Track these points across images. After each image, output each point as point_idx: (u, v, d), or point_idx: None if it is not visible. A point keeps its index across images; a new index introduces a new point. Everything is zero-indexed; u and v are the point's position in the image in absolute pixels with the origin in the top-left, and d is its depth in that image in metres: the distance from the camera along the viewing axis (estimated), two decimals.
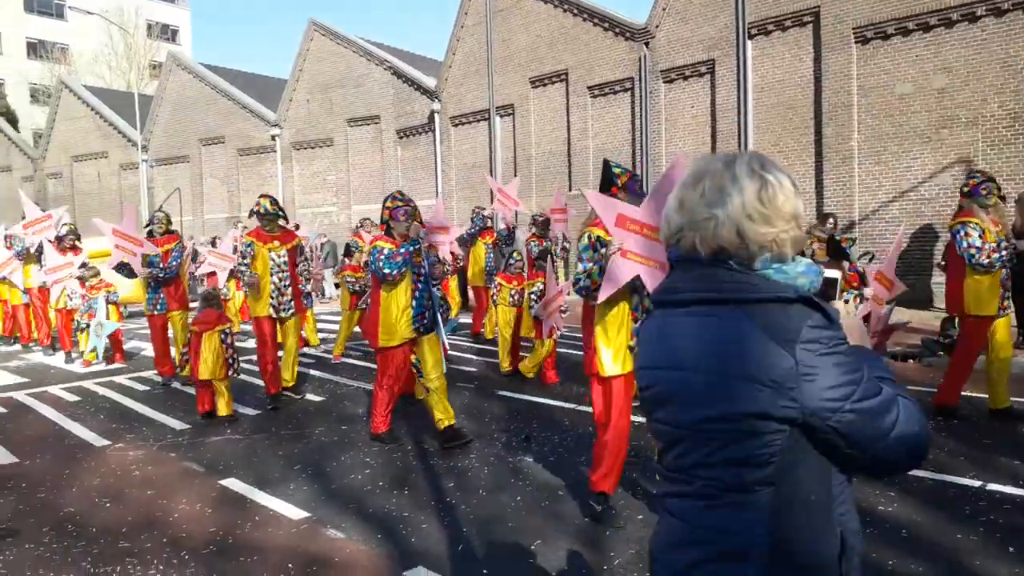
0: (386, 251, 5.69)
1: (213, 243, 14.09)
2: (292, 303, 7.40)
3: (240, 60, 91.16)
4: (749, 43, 14.96)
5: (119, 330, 10.04)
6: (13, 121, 34.47)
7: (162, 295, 8.29)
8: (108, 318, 9.76)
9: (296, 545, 4.13)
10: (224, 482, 5.21)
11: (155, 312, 8.32)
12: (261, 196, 7.58)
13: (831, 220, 11.36)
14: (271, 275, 7.25)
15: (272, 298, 7.26)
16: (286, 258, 7.35)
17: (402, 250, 5.71)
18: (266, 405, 7.34)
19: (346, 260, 10.08)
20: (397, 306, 5.77)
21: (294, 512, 4.61)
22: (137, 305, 12.69)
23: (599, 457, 4.34)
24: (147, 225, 8.67)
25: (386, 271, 5.65)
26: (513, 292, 8.49)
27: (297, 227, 12.14)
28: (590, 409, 6.75)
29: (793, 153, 14.64)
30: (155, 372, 8.92)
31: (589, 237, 4.28)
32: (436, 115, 20.66)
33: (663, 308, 1.54)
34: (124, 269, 8.31)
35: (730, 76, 15.26)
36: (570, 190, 18.01)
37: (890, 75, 13.39)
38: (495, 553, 3.97)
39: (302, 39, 23.52)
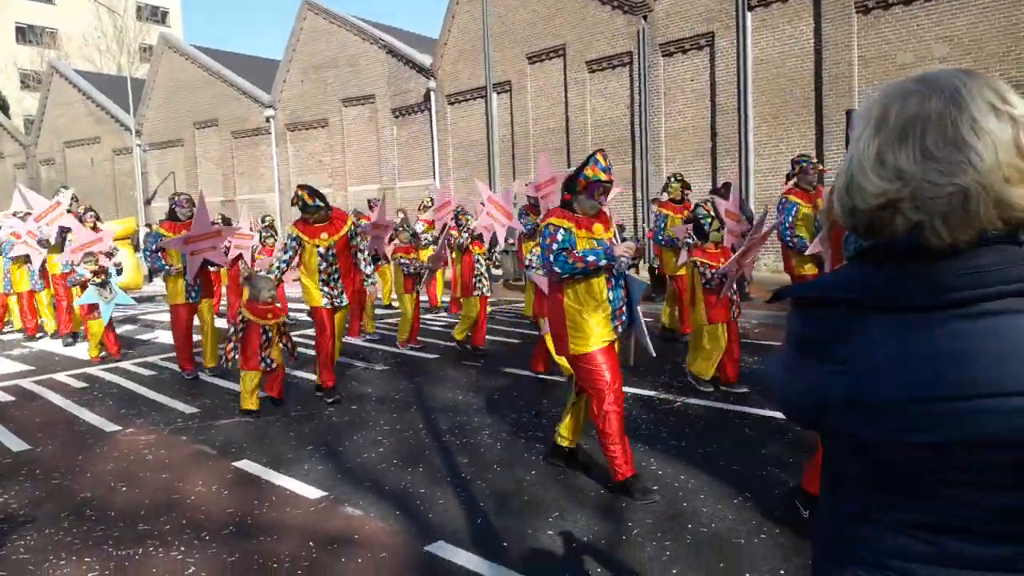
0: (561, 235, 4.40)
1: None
2: (343, 295, 6.89)
3: (232, 41, 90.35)
4: (749, 15, 14.85)
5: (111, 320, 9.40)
6: (4, 107, 34.27)
7: (198, 283, 7.94)
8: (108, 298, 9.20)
9: (315, 524, 4.14)
10: (238, 464, 5.22)
11: (189, 301, 7.95)
12: (299, 187, 6.85)
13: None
14: (318, 270, 6.72)
15: (322, 291, 6.76)
16: (334, 250, 6.77)
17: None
18: (321, 397, 6.89)
19: (396, 241, 9.66)
20: (592, 301, 4.44)
21: (310, 491, 4.62)
22: (134, 293, 12.62)
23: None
24: (171, 209, 8.31)
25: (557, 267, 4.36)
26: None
27: (371, 206, 12.21)
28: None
29: (793, 126, 14.59)
30: (160, 358, 8.90)
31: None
32: (432, 93, 20.53)
33: (885, 314, 1.02)
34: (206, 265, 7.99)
35: (730, 49, 15.16)
36: (568, 166, 17.92)
37: (891, 45, 13.32)
38: (513, 526, 3.99)
39: (295, 18, 23.33)
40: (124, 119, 26.74)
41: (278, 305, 7.17)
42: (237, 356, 6.50)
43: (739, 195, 8.09)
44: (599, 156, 4.51)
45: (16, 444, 5.93)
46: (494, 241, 9.76)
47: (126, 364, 9.00)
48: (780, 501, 4.08)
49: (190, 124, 25.65)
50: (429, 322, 11.01)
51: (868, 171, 1.04)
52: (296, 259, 6.83)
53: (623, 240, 4.98)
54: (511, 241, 10.97)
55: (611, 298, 4.43)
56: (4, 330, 12.03)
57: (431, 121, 20.82)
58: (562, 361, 7.46)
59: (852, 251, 1.08)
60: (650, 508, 4.13)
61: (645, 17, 16.39)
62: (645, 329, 4.75)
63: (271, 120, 23.91)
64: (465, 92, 20.05)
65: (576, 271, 4.30)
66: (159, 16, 48.75)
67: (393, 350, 9.13)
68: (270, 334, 6.53)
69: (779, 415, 5.66)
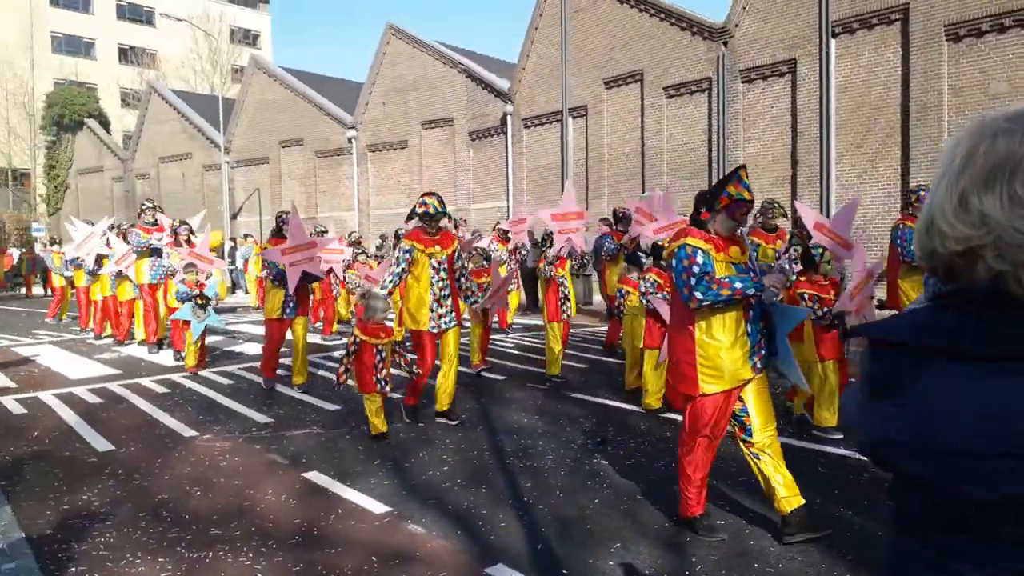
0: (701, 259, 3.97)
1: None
2: (453, 314, 6.61)
3: (318, 63, 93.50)
4: (833, 42, 14.56)
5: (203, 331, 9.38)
6: (105, 124, 36.17)
7: (294, 299, 8.00)
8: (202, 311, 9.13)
9: (378, 539, 4.20)
10: (307, 475, 5.34)
11: (283, 317, 8.03)
12: (426, 195, 6.57)
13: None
14: (431, 285, 6.47)
15: (432, 311, 6.48)
16: (446, 265, 6.55)
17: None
18: (405, 418, 6.77)
19: (470, 264, 8.91)
20: (729, 334, 4.00)
21: (375, 506, 4.69)
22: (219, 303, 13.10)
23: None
24: (278, 226, 8.53)
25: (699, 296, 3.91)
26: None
27: (456, 225, 12.25)
28: (667, 415, 6.72)
29: (878, 156, 14.18)
30: (239, 368, 9.19)
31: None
32: (508, 117, 20.77)
33: (963, 362, 0.97)
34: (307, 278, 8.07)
35: (812, 76, 14.88)
36: (643, 192, 17.85)
37: (984, 74, 12.84)
38: (574, 553, 3.95)
39: (379, 42, 23.98)
40: (214, 137, 27.94)
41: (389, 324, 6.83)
42: (351, 381, 6.36)
43: (850, 215, 7.29)
44: (742, 173, 4.13)
45: (102, 444, 6.21)
46: (572, 254, 9.48)
47: (206, 373, 9.34)
48: (852, 544, 3.93)
49: (276, 143, 26.59)
50: (497, 343, 11.05)
51: (949, 215, 0.99)
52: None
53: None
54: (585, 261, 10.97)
55: (749, 331, 4.01)
56: (103, 335, 12.75)
57: (507, 144, 21.06)
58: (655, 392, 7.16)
59: (931, 294, 1.04)
60: (715, 544, 4.04)
61: (725, 43, 16.24)
62: (795, 362, 4.32)
63: (353, 141, 24.58)
64: (541, 116, 20.21)
65: (720, 299, 3.87)
66: (251, 39, 50.90)
67: (462, 370, 9.17)
68: (383, 354, 6.28)
69: (856, 455, 5.46)
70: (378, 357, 6.21)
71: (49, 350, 11.76)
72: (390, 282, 6.46)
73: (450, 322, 6.59)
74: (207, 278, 9.77)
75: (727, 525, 4.27)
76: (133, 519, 4.53)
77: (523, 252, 11.71)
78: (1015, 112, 0.99)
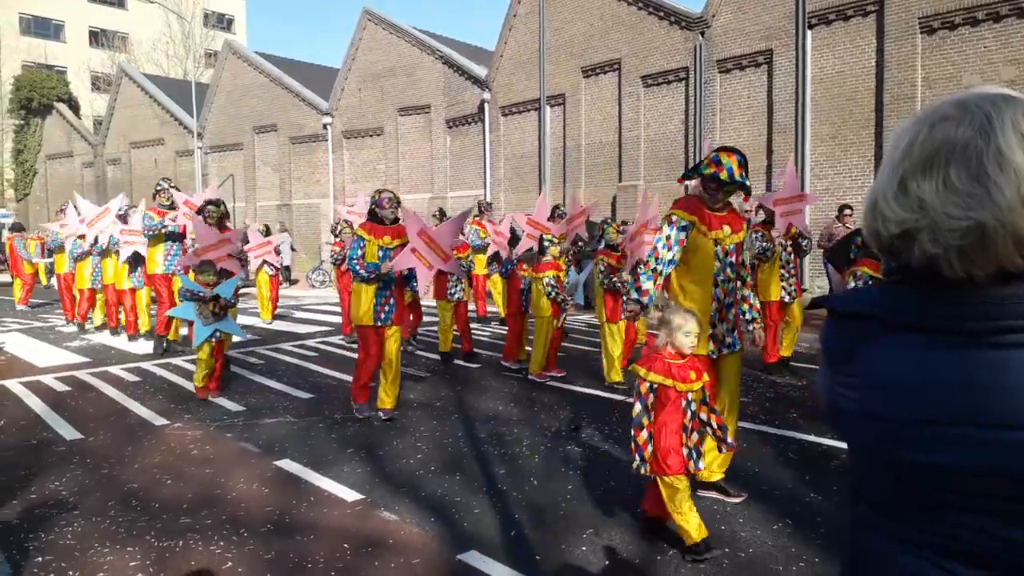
0: None
1: (267, 231, 14.01)
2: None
3: (293, 49, 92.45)
4: (809, 33, 14.63)
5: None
6: (75, 108, 35.48)
7: (390, 301, 6.56)
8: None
9: (351, 526, 4.18)
10: (279, 463, 5.30)
11: (377, 324, 6.46)
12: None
13: (848, 211, 11.43)
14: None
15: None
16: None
17: None
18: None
19: (541, 257, 8.11)
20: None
21: (348, 493, 4.67)
22: None
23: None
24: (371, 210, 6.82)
25: None
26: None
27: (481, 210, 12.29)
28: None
29: (852, 147, 14.30)
30: None
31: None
32: (486, 105, 20.66)
33: (911, 333, 1.02)
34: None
35: (788, 66, 14.95)
36: (620, 181, 17.89)
37: (957, 66, 12.97)
38: (547, 540, 3.96)
39: (355, 28, 23.74)
40: (187, 122, 27.52)
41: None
42: (644, 468, 3.86)
43: (791, 177, 8.18)
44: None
45: (70, 433, 6.12)
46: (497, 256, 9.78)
47: (179, 360, 9.23)
48: (822, 528, 3.98)
49: (250, 129, 26.25)
50: (475, 331, 11.04)
51: (890, 198, 1.02)
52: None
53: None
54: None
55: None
56: (87, 326, 12.28)
57: (484, 132, 20.96)
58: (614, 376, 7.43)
59: (883, 270, 1.09)
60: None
61: (703, 33, 16.27)
62: None
63: (328, 127, 24.33)
64: (519, 104, 20.13)
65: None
66: (225, 23, 50.09)
67: (436, 357, 9.16)
68: (693, 407, 3.93)
69: (825, 440, 5.53)
70: (688, 414, 3.85)
71: (16, 338, 11.56)
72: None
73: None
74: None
75: (698, 510, 4.29)
76: (102, 508, 4.47)
77: (580, 243, 11.02)
78: (959, 99, 1.00)
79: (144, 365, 8.99)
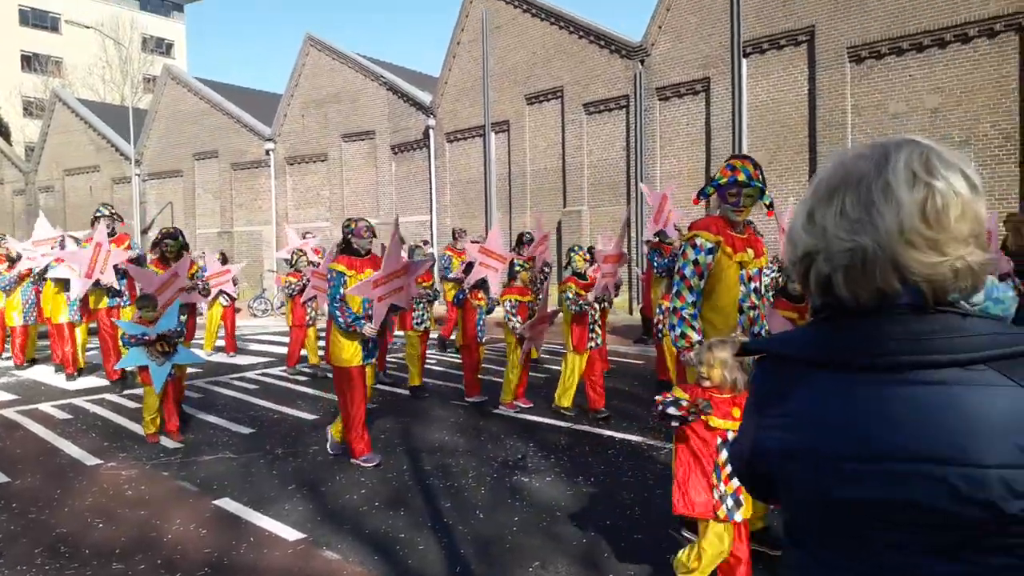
0: None
1: (224, 259, 13.36)
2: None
3: (235, 75, 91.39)
4: (744, 61, 15.06)
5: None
6: (5, 134, 34.39)
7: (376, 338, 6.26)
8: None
9: (292, 567, 4.07)
10: (218, 502, 5.15)
11: (364, 364, 6.15)
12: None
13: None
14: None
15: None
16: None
17: None
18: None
19: (512, 281, 8.00)
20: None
21: (289, 533, 4.55)
22: None
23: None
24: (345, 239, 6.41)
25: None
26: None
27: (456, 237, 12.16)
28: (585, 428, 6.77)
29: (787, 172, 14.72)
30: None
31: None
32: (431, 131, 20.70)
33: (832, 372, 1.07)
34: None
35: (725, 94, 15.35)
36: (564, 206, 18.05)
37: (884, 94, 13.50)
38: (494, 574, 3.92)
39: (298, 54, 23.58)
40: (124, 148, 26.86)
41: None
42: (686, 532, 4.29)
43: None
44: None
45: None
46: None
47: (111, 396, 8.92)
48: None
49: (190, 155, 25.76)
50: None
51: (799, 228, 1.11)
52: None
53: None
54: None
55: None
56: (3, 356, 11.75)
57: (430, 158, 20.96)
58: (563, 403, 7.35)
59: (811, 309, 1.15)
60: (635, 557, 4.07)
61: (642, 61, 16.61)
62: None
63: (271, 153, 24.04)
64: (464, 130, 20.21)
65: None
66: (164, 48, 49.26)
67: (380, 388, 9.02)
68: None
69: None
70: (723, 454, 3.39)
71: None
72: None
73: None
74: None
75: (641, 539, 4.31)
76: (28, 556, 4.27)
77: (547, 270, 10.74)
78: (876, 140, 1.10)
79: (76, 401, 8.67)
